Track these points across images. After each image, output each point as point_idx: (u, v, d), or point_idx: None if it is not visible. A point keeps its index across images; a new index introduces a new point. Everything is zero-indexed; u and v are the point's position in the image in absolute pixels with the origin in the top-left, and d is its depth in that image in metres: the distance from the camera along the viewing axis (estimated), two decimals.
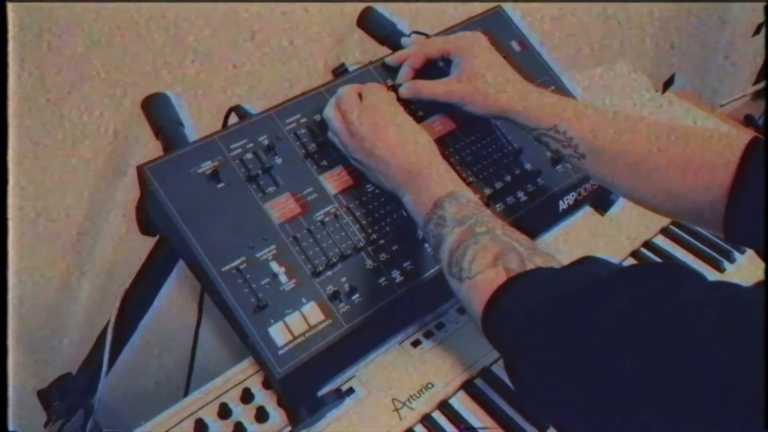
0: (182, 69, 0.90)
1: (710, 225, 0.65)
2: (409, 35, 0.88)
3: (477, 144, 0.83)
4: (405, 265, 0.74)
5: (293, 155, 0.75)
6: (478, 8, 0.91)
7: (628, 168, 0.69)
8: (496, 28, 0.88)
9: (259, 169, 0.73)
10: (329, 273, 0.71)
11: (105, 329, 0.79)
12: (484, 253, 0.60)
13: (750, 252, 0.96)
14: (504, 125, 0.84)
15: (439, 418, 0.77)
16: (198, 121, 0.78)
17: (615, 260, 0.94)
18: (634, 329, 0.47)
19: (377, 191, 0.76)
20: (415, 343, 0.82)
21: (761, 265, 0.64)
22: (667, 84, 1.60)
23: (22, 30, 0.76)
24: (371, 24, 0.92)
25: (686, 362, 0.44)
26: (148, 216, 0.73)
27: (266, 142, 0.74)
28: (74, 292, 0.98)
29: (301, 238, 0.71)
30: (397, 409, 0.77)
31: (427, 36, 0.86)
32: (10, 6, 0.64)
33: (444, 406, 0.78)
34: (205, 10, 0.88)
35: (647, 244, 0.98)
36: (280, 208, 0.72)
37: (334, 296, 0.70)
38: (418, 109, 0.81)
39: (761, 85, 1.74)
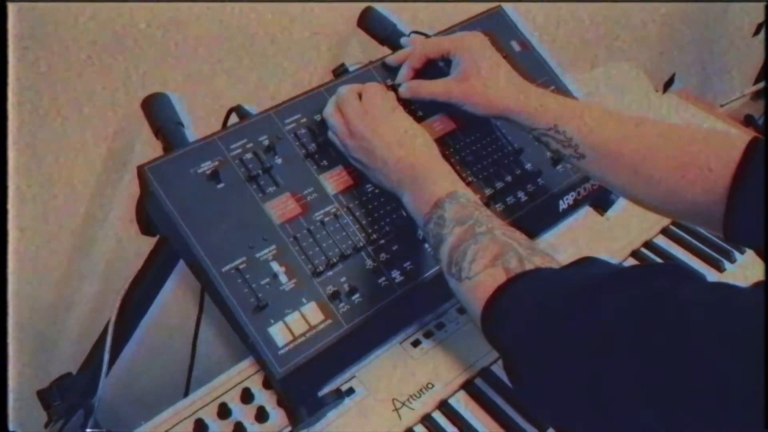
0: (182, 69, 0.90)
1: (710, 225, 0.65)
2: (409, 35, 0.88)
3: (477, 144, 0.83)
4: (405, 265, 0.74)
5: (293, 155, 0.75)
6: (478, 8, 0.91)
7: (628, 168, 0.69)
8: (496, 28, 0.88)
9: (259, 169, 0.73)
10: (329, 273, 0.71)
11: (105, 329, 0.79)
12: (483, 253, 0.60)
13: (750, 252, 0.96)
14: (504, 125, 0.84)
15: (439, 418, 0.77)
16: (198, 121, 0.78)
17: (615, 260, 0.94)
18: (634, 329, 0.47)
19: (377, 191, 0.76)
20: (415, 343, 0.82)
21: (761, 265, 0.64)
22: (667, 84, 1.60)
23: (21, 30, 0.76)
24: (371, 24, 0.92)
25: (686, 362, 0.44)
26: (148, 216, 0.73)
27: (266, 142, 0.74)
28: (74, 292, 0.98)
29: (301, 238, 0.71)
30: (397, 409, 0.77)
31: (427, 36, 0.86)
32: (10, 6, 0.64)
33: (444, 406, 0.78)
34: (205, 10, 0.88)
35: (647, 244, 0.98)
36: (280, 208, 0.72)
37: (334, 296, 0.70)
38: (418, 109, 0.81)
39: (761, 85, 1.74)
